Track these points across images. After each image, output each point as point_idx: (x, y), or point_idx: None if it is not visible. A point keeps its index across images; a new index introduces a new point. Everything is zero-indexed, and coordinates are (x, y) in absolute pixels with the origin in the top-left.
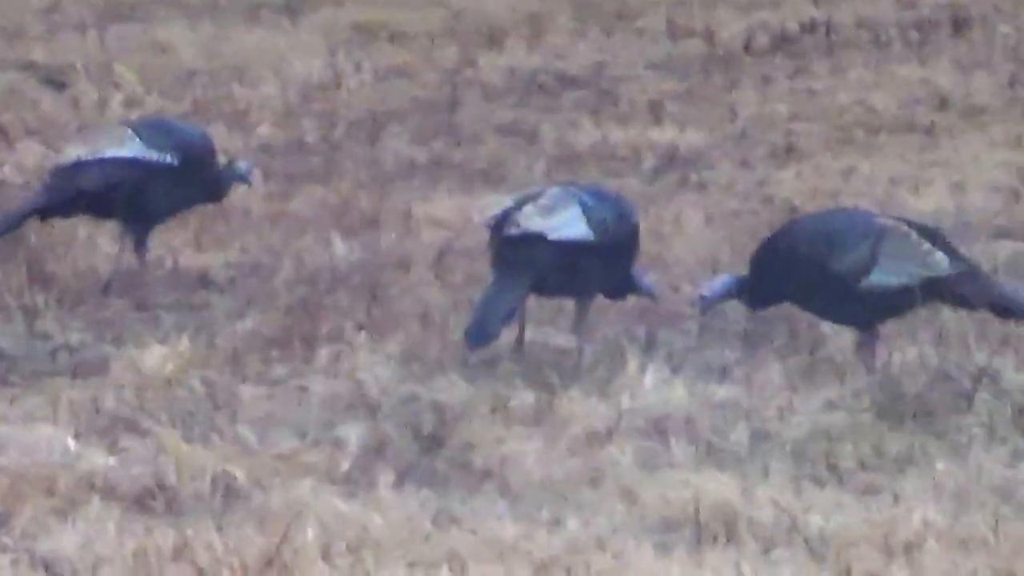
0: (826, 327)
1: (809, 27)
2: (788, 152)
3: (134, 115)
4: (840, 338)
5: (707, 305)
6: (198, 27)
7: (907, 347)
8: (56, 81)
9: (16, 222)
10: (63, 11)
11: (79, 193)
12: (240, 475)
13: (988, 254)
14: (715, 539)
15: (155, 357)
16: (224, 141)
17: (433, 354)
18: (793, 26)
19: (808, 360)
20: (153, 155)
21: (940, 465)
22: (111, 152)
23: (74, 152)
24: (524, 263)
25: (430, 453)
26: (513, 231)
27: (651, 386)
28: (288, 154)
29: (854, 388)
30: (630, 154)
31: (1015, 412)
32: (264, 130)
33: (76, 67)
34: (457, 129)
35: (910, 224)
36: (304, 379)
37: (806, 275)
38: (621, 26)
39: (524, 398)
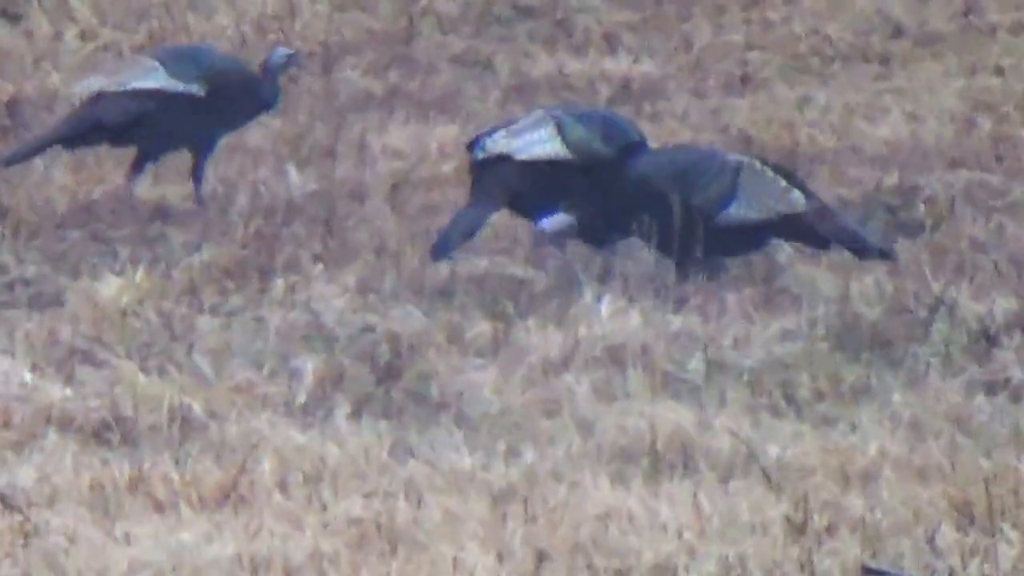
0: (782, 257)
1: None
2: (743, 82)
3: (88, 48)
4: (796, 269)
5: (543, 239)
6: None
7: (863, 276)
8: (10, 14)
9: (35, 150)
10: None
11: (101, 125)
12: (197, 407)
13: (944, 183)
14: (672, 469)
15: (111, 289)
16: None
17: (389, 285)
18: None
19: (764, 290)
20: (178, 85)
21: (896, 395)
22: (134, 83)
23: (96, 83)
24: (491, 184)
25: (386, 384)
26: (479, 155)
27: (607, 316)
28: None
29: (810, 318)
30: (585, 85)
31: (971, 341)
32: None
33: (30, 0)
34: (412, 60)
35: (764, 161)
36: (260, 310)
37: (659, 210)
38: None
39: (480, 329)
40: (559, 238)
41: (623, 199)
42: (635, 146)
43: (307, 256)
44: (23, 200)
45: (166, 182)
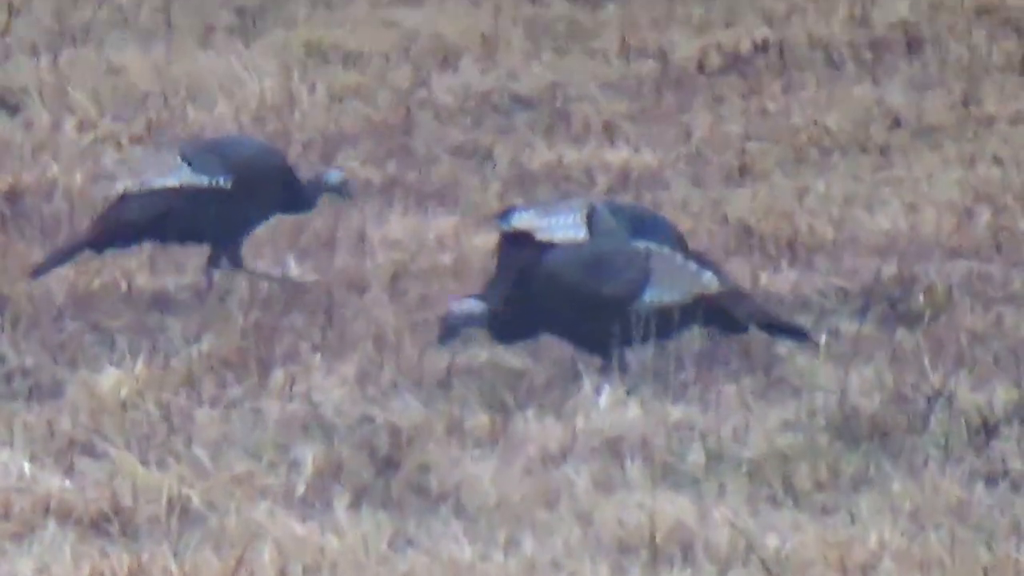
0: (780, 348)
1: (762, 47)
2: (742, 172)
3: (87, 139)
4: (795, 359)
5: (451, 322)
6: (151, 49)
7: (862, 367)
8: (9, 104)
9: (65, 257)
10: (15, 34)
11: (127, 225)
12: (196, 498)
13: (942, 274)
14: (671, 561)
15: (110, 379)
16: None
17: (388, 376)
18: (746, 46)
19: (764, 380)
20: (203, 180)
21: (896, 485)
22: (158, 181)
23: (120, 184)
24: (509, 260)
25: (386, 475)
26: (504, 228)
27: (606, 406)
28: None
29: (809, 408)
30: (584, 175)
31: (970, 432)
32: None
33: (29, 90)
34: (411, 150)
35: (673, 247)
36: (259, 401)
37: (573, 303)
38: (574, 46)
39: (479, 419)
40: (466, 324)
41: (535, 295)
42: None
43: (306, 347)
44: (21, 291)
45: (164, 272)
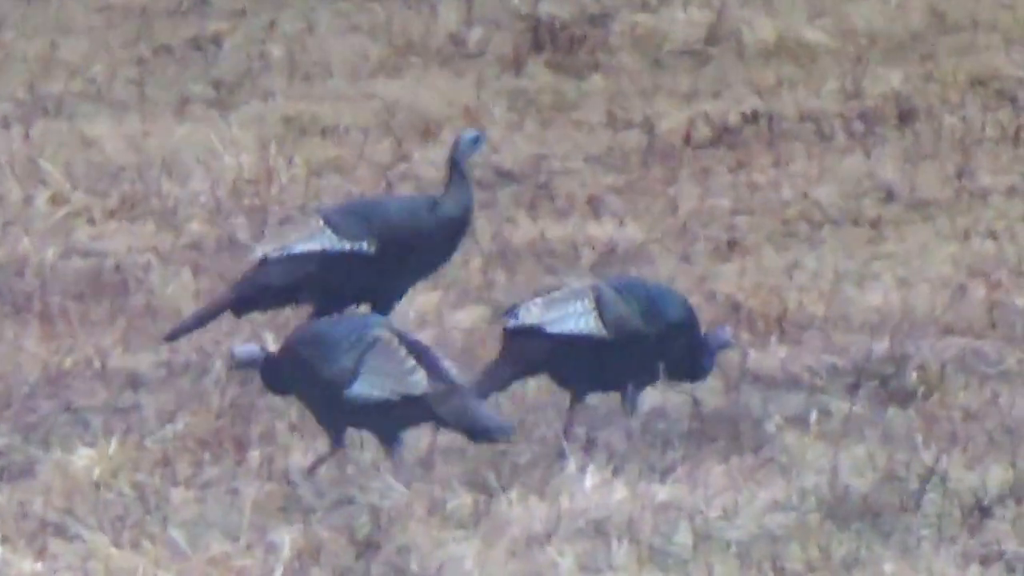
0: (770, 427)
1: (751, 119)
2: (730, 247)
3: (59, 213)
4: (785, 438)
5: (232, 363)
6: (125, 121)
7: (854, 446)
8: None
9: (205, 320)
10: None
11: (267, 289)
12: None
13: (935, 351)
14: None
15: (83, 460)
16: (153, 239)
17: (368, 456)
18: (735, 118)
19: (753, 459)
20: (345, 245)
21: (888, 567)
22: (299, 247)
23: (261, 249)
24: (518, 356)
25: (366, 557)
26: (510, 323)
27: (591, 487)
28: (219, 251)
29: (800, 488)
30: (568, 250)
31: (964, 512)
32: (194, 227)
33: (0, 163)
34: None
35: (402, 338)
36: (236, 481)
37: (303, 375)
38: (559, 118)
39: (461, 500)
40: (245, 367)
41: (283, 365)
42: (678, 326)
43: (283, 426)
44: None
45: (138, 350)
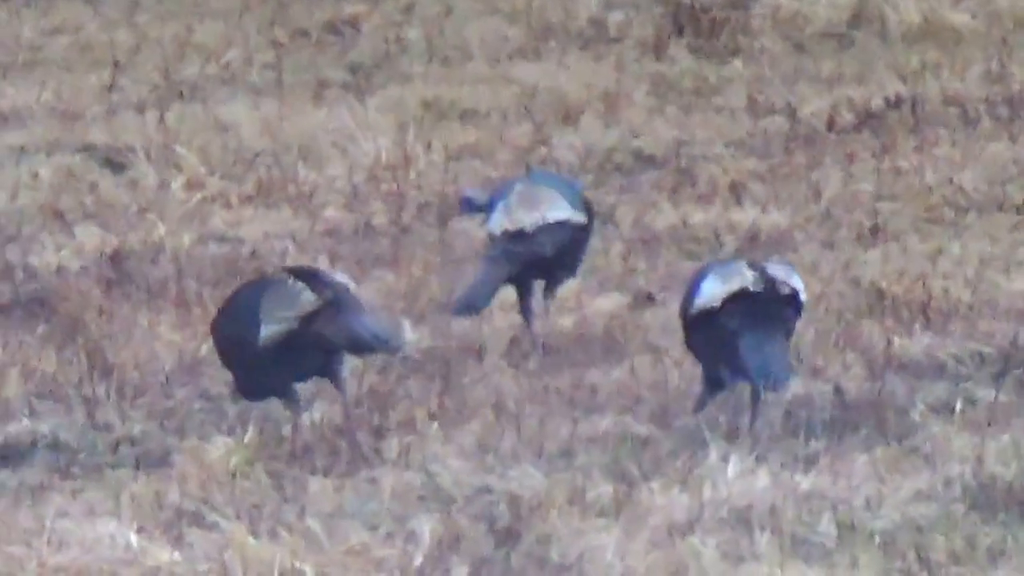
0: (915, 415)
1: (895, 103)
2: (874, 233)
3: (194, 198)
4: (929, 427)
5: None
6: (261, 106)
7: (999, 434)
8: (114, 163)
9: (490, 294)
10: (121, 91)
11: (541, 258)
12: (309, 570)
13: None
14: None
15: (219, 449)
16: (289, 225)
17: (508, 444)
18: (878, 103)
19: (896, 449)
20: (578, 216)
21: None
22: (552, 215)
23: (519, 219)
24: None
25: (505, 547)
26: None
27: (734, 476)
28: (356, 238)
29: (945, 477)
30: (710, 236)
31: None
32: (330, 213)
33: (135, 149)
34: None
35: (290, 270)
36: (374, 471)
37: (236, 354)
38: (700, 103)
39: (602, 489)
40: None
41: (226, 355)
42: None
43: (422, 414)
44: (128, 358)
45: None
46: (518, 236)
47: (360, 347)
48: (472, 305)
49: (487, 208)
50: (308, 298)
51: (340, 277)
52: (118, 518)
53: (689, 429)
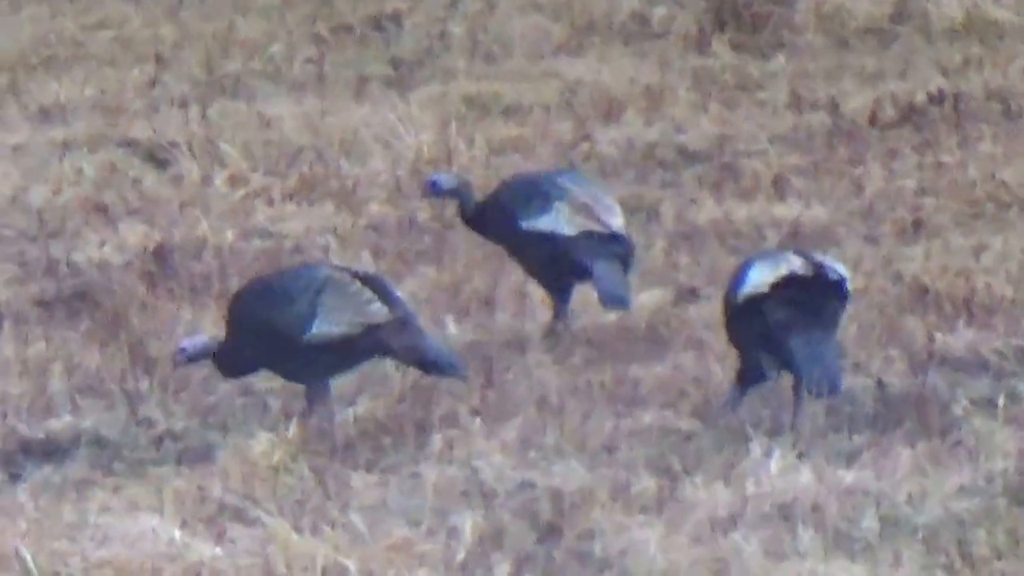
0: (957, 410)
1: (937, 99)
2: (916, 228)
3: (238, 194)
4: (972, 422)
5: (183, 359)
6: (303, 102)
7: None
8: (157, 158)
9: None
10: (164, 87)
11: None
12: (352, 566)
13: None
14: None
15: (262, 444)
16: (331, 220)
17: (550, 440)
18: (921, 98)
19: (939, 444)
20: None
21: None
22: (609, 222)
23: (610, 221)
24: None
25: (548, 542)
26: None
27: (776, 471)
28: (399, 233)
29: (987, 472)
30: (753, 231)
31: None
32: (373, 208)
33: (178, 144)
34: None
35: (355, 274)
36: (417, 466)
37: (261, 337)
38: (743, 98)
39: (645, 484)
40: (195, 360)
41: (243, 332)
42: None
43: (465, 410)
44: (171, 353)
45: None
46: (614, 238)
47: (427, 366)
48: (623, 299)
49: (462, 198)
50: (379, 309)
51: (399, 292)
52: (161, 514)
53: (732, 424)
